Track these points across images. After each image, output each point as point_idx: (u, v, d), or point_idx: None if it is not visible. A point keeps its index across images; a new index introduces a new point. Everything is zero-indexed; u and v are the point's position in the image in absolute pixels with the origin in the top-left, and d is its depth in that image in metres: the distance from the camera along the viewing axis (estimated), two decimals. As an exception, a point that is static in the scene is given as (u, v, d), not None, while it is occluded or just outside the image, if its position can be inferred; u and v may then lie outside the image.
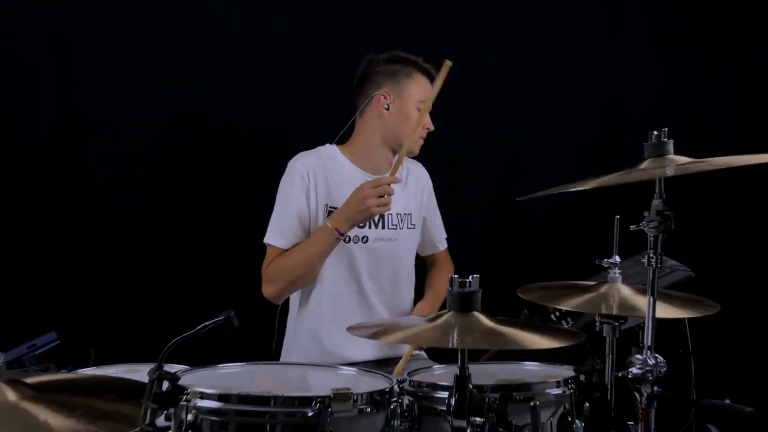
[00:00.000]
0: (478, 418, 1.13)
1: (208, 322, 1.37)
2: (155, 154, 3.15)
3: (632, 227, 1.46)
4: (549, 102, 3.36)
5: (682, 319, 2.25)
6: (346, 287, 2.30)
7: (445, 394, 1.41)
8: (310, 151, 2.36)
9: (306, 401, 1.27)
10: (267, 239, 2.27)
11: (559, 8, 3.36)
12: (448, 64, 2.21)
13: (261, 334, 2.46)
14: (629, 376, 1.43)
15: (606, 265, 1.85)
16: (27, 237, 3.06)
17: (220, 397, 1.30)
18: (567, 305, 1.79)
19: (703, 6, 3.31)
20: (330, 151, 2.37)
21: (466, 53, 3.11)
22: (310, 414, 1.24)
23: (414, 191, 2.44)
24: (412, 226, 2.39)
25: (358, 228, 2.24)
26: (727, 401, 1.67)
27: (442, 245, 2.55)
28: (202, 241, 3.17)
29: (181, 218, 3.18)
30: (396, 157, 2.32)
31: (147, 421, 1.32)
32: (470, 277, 1.21)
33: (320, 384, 1.60)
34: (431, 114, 2.37)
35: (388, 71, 2.34)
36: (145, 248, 3.12)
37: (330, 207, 2.27)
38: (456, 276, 1.21)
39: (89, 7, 3.07)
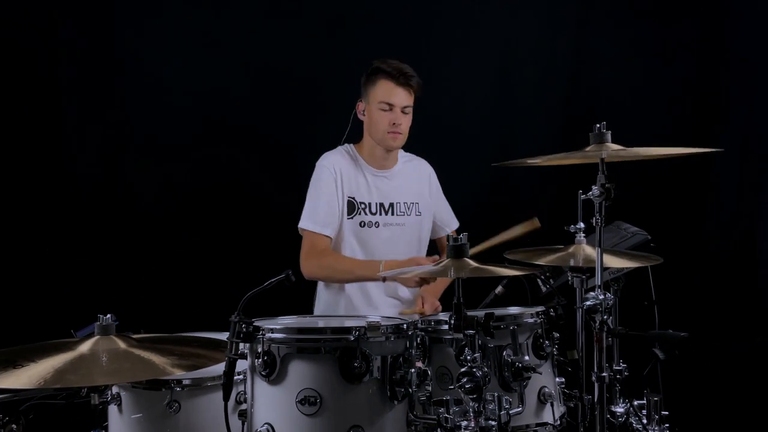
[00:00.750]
0: (470, 330, 1.61)
1: (272, 279, 1.86)
2: (193, 149, 3.46)
3: (582, 196, 1.93)
4: (528, 91, 3.69)
5: (647, 275, 2.74)
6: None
7: (447, 327, 1.92)
8: (333, 151, 2.78)
9: (348, 330, 1.75)
10: (303, 224, 2.67)
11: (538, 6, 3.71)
12: (536, 223, 2.52)
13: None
14: (584, 308, 1.91)
15: (573, 230, 2.34)
16: (82, 230, 3.36)
17: (286, 330, 1.79)
18: (543, 261, 2.28)
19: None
20: (349, 149, 2.80)
21: (452, 49, 3.50)
22: (352, 339, 1.73)
23: (419, 183, 2.83)
24: (419, 214, 2.79)
25: (370, 214, 2.67)
26: (670, 331, 2.16)
27: (446, 231, 2.89)
28: (229, 231, 3.47)
29: (216, 210, 3.48)
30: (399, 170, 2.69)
31: (232, 352, 1.82)
32: (461, 234, 1.71)
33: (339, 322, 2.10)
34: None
35: (363, 81, 2.70)
36: (183, 237, 3.43)
37: (349, 197, 2.68)
38: (452, 234, 1.70)
39: (130, 19, 3.38)
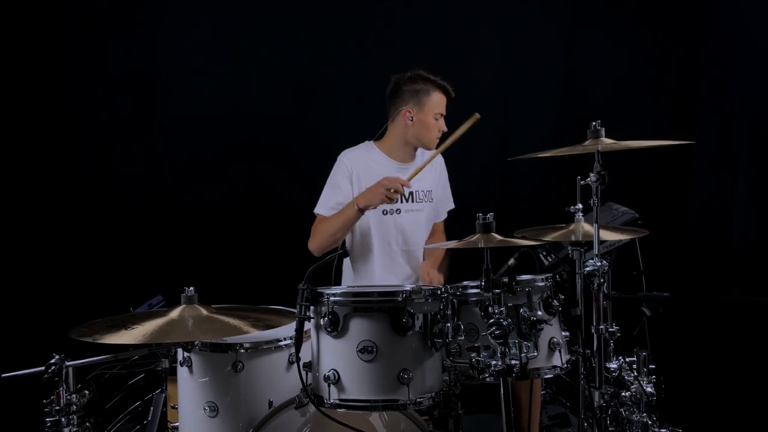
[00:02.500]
0: (497, 290, 2.04)
1: (333, 254, 2.27)
2: (227, 156, 3.80)
3: (582, 182, 2.35)
4: (525, 88, 4.01)
5: (636, 249, 3.15)
6: (387, 248, 3.09)
7: (472, 291, 2.34)
8: (355, 147, 3.15)
9: (396, 293, 2.16)
10: (316, 210, 3.05)
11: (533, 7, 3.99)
12: (476, 117, 2.87)
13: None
14: (585, 273, 2.33)
15: (573, 210, 2.77)
16: (126, 223, 3.75)
17: (344, 294, 2.20)
18: (549, 238, 2.70)
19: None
20: (369, 146, 3.18)
21: (455, 50, 3.77)
22: (399, 299, 2.15)
23: (432, 172, 3.20)
24: (431, 201, 3.19)
25: (392, 203, 2.99)
26: (655, 292, 2.59)
27: (441, 217, 3.28)
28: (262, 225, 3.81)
29: (248, 207, 3.83)
30: (419, 163, 2.98)
31: (302, 313, 2.22)
32: (488, 213, 2.14)
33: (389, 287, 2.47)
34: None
35: (412, 90, 3.02)
36: (219, 231, 3.80)
37: None
38: (480, 213, 2.13)
39: (169, 29, 3.68)
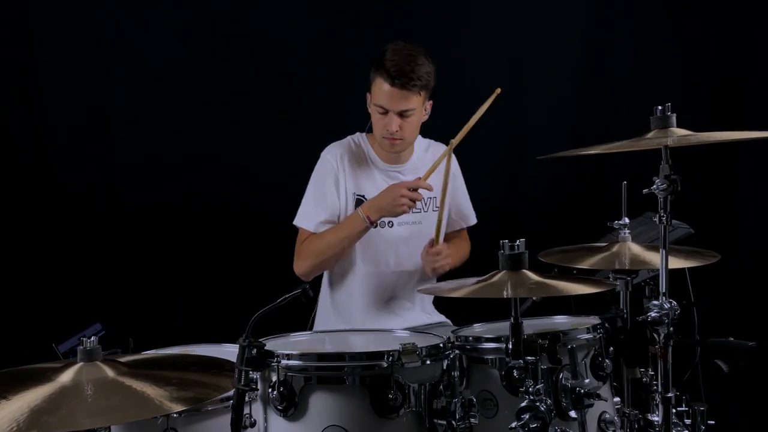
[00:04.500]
0: (530, 357, 1.35)
1: (287, 295, 1.58)
2: (184, 151, 3.27)
3: (645, 191, 1.67)
4: (541, 80, 3.53)
5: (683, 272, 2.50)
6: (374, 268, 2.45)
7: (490, 345, 1.66)
8: (340, 142, 2.50)
9: (380, 355, 1.48)
10: (297, 222, 2.43)
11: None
12: (497, 91, 2.31)
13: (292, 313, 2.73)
14: (648, 320, 1.65)
15: (617, 227, 2.09)
16: (67, 237, 3.20)
17: (303, 356, 1.52)
18: (585, 264, 2.01)
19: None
20: (358, 139, 2.51)
21: (463, 36, 3.35)
22: (385, 366, 1.46)
23: (437, 173, 2.46)
24: (437, 209, 2.49)
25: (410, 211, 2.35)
26: (731, 339, 1.92)
27: (462, 225, 2.64)
28: (229, 233, 3.29)
29: (212, 210, 3.30)
30: (432, 164, 2.39)
31: (242, 382, 1.54)
32: (517, 240, 1.43)
33: (384, 343, 1.82)
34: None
35: (371, 73, 2.38)
36: (172, 241, 3.26)
37: (357, 195, 2.42)
38: (506, 240, 1.43)
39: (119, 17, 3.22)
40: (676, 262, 2.00)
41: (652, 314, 1.66)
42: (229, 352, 1.88)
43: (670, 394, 1.69)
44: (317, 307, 2.59)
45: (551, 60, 3.55)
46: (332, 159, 2.45)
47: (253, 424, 1.65)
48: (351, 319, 2.46)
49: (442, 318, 2.55)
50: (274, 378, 1.51)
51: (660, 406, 1.69)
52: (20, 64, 3.18)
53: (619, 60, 3.54)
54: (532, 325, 1.78)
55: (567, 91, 3.57)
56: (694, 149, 2.22)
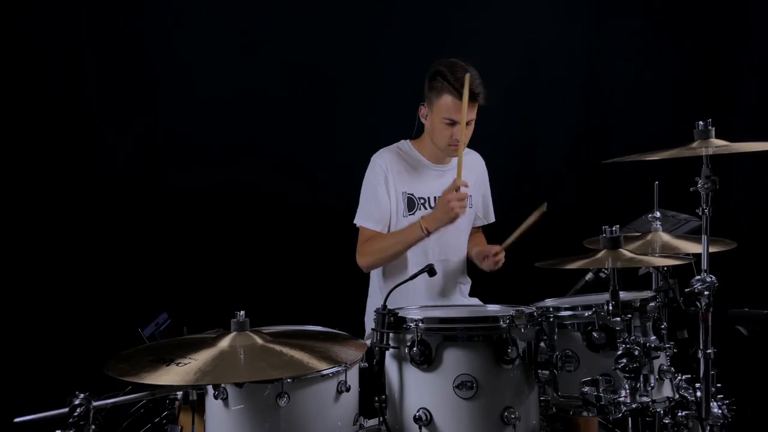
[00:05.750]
0: (627, 315, 1.75)
1: (416, 271, 1.95)
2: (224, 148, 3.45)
3: (692, 189, 2.08)
4: (549, 92, 3.78)
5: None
6: (421, 258, 2.75)
7: (568, 313, 2.05)
8: (388, 147, 2.83)
9: (499, 318, 1.86)
10: (357, 221, 2.74)
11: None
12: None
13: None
14: (695, 291, 2.06)
15: (650, 219, 2.51)
16: (122, 234, 3.37)
17: (435, 320, 1.89)
18: (628, 248, 2.41)
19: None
20: (404, 145, 2.84)
21: (473, 49, 3.37)
22: (504, 326, 1.84)
23: (473, 175, 2.87)
24: (471, 206, 2.86)
25: (430, 208, 2.71)
26: (746, 309, 2.35)
27: (485, 222, 2.97)
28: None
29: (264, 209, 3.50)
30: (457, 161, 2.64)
31: (384, 342, 1.90)
32: (614, 226, 1.84)
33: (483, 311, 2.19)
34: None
35: (429, 86, 2.69)
36: (226, 234, 3.45)
37: (406, 193, 2.74)
38: (606, 227, 1.84)
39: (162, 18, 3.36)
40: (696, 248, 2.41)
41: (698, 286, 2.08)
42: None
43: (709, 350, 2.11)
44: (368, 297, 2.91)
45: (557, 65, 3.78)
46: (382, 162, 2.76)
47: (348, 389, 1.95)
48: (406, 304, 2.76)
49: (476, 300, 2.89)
50: (411, 338, 1.87)
51: (702, 360, 2.11)
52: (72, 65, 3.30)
53: (621, 65, 3.79)
54: (600, 298, 2.19)
55: (572, 95, 3.83)
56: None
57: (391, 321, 1.88)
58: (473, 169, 2.94)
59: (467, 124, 2.64)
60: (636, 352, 1.71)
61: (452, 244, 2.83)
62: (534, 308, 2.01)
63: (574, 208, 3.59)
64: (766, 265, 3.43)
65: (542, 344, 1.90)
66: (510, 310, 1.93)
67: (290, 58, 3.51)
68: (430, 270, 1.96)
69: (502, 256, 2.71)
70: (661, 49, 3.81)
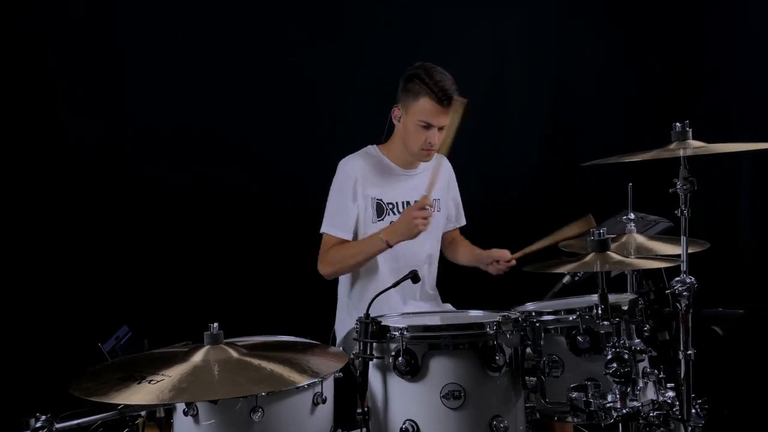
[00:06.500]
0: (616, 318, 1.73)
1: (400, 278, 1.89)
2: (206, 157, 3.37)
3: (671, 190, 2.08)
4: (518, 96, 3.81)
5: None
6: (388, 264, 2.71)
7: (551, 317, 2.02)
8: (355, 153, 2.77)
9: (485, 325, 1.82)
10: (323, 229, 2.68)
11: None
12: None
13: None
14: (676, 292, 2.06)
15: (624, 220, 2.50)
16: (92, 236, 3.23)
17: (419, 328, 1.83)
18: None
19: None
20: (372, 150, 2.79)
21: (449, 54, 3.43)
22: (491, 333, 1.80)
23: (441, 179, 2.81)
24: (439, 210, 2.84)
25: (399, 214, 2.67)
26: (720, 309, 2.36)
27: (456, 225, 2.97)
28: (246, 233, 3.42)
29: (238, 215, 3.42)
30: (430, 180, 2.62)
31: (367, 353, 1.84)
32: (601, 229, 1.82)
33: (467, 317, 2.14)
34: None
35: (405, 88, 2.65)
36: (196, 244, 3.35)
37: (375, 199, 2.70)
38: (594, 229, 1.81)
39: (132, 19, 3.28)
40: (674, 250, 2.42)
41: (678, 287, 2.07)
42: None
43: (689, 351, 2.11)
44: (338, 302, 2.85)
45: (525, 72, 3.81)
46: (350, 169, 2.70)
47: (324, 401, 1.89)
48: (380, 310, 2.72)
49: (449, 306, 2.84)
50: (395, 347, 1.81)
51: (682, 360, 2.10)
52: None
53: (589, 70, 3.83)
54: (578, 302, 2.17)
55: (541, 100, 3.86)
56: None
57: (374, 330, 1.81)
58: (442, 173, 2.89)
59: (441, 128, 2.61)
60: (626, 356, 1.68)
61: (425, 250, 2.79)
62: (518, 313, 1.98)
63: (545, 209, 3.60)
64: (738, 265, 3.42)
65: (528, 350, 1.86)
66: (495, 316, 1.89)
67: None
68: (414, 276, 1.90)
69: (513, 262, 2.69)
70: (627, 54, 3.87)
